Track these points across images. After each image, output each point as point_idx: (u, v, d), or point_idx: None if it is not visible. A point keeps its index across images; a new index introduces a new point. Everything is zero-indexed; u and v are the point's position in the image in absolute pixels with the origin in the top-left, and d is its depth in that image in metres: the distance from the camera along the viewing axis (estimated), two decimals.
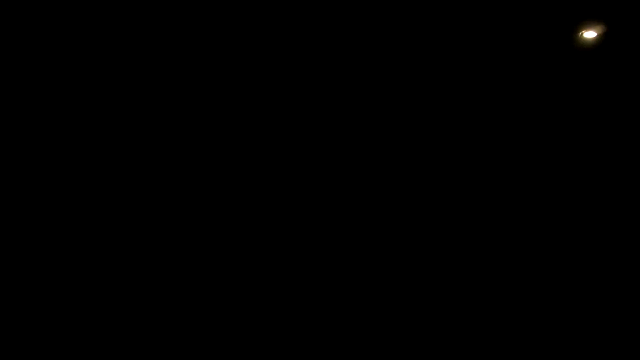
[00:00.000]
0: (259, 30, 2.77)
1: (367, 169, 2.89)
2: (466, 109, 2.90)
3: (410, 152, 2.90)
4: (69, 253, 2.68)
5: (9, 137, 2.69)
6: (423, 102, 2.89)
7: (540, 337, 2.68)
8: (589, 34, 2.73)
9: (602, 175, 2.81)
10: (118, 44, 2.73)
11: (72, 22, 2.66)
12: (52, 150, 2.73)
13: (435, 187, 2.89)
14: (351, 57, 2.83)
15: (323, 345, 2.67)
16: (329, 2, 2.69)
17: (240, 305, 2.72)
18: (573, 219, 2.81)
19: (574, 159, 2.85)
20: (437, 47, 2.82)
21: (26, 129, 2.71)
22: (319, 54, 2.82)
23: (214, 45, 2.78)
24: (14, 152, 2.70)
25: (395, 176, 2.90)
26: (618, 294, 2.68)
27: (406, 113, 2.89)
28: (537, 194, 2.85)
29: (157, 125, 2.81)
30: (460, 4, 2.73)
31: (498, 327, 2.71)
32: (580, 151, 2.85)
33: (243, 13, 2.71)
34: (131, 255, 2.72)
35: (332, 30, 2.77)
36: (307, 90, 2.87)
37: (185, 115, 2.83)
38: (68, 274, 2.66)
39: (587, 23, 2.71)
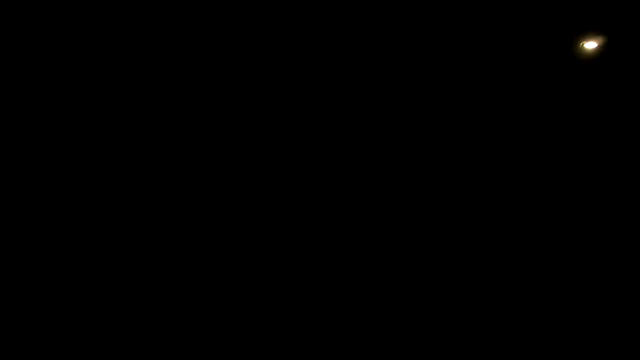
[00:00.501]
0: (258, 31, 2.77)
1: (367, 169, 2.87)
2: (468, 118, 2.90)
3: (412, 161, 2.90)
4: (69, 253, 2.67)
5: (9, 137, 2.70)
6: (425, 110, 2.89)
7: (540, 337, 2.66)
8: (590, 45, 2.74)
9: (602, 184, 2.80)
10: (118, 44, 2.74)
11: (72, 22, 2.68)
12: (52, 150, 2.72)
13: (436, 193, 2.89)
14: (354, 62, 2.85)
15: (323, 345, 2.66)
16: (329, 2, 2.71)
17: (240, 305, 2.71)
18: (573, 227, 2.80)
19: (575, 168, 2.84)
20: (440, 56, 2.83)
21: (26, 129, 2.70)
22: (319, 55, 2.83)
23: (214, 45, 2.78)
24: (14, 152, 2.70)
25: (395, 177, 2.89)
26: (618, 294, 2.67)
27: (408, 120, 2.90)
28: (539, 201, 2.83)
29: (157, 126, 2.80)
30: (462, 14, 2.76)
31: (498, 327, 2.69)
32: (581, 160, 2.83)
33: (243, 13, 2.73)
34: (131, 255, 2.71)
35: (333, 31, 2.78)
36: (307, 90, 2.86)
37: (185, 116, 2.82)
38: (68, 274, 2.65)
39: (587, 34, 2.72)
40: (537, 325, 2.69)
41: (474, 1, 2.73)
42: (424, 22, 2.77)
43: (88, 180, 2.75)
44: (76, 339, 2.57)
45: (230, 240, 2.80)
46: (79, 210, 2.72)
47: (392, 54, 2.85)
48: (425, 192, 2.87)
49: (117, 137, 2.78)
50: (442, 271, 2.80)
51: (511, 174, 2.86)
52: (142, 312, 2.66)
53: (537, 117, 2.88)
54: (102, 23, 2.72)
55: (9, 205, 2.67)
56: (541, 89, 2.86)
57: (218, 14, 2.75)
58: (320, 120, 2.87)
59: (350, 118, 2.88)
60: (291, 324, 2.70)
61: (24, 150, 2.71)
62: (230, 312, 2.71)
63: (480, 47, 2.82)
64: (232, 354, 2.64)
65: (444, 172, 2.88)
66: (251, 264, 2.79)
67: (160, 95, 2.81)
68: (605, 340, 2.62)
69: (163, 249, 2.75)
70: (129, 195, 2.76)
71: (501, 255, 2.81)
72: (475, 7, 2.75)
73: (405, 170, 2.88)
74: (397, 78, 2.87)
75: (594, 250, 2.76)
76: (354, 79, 2.85)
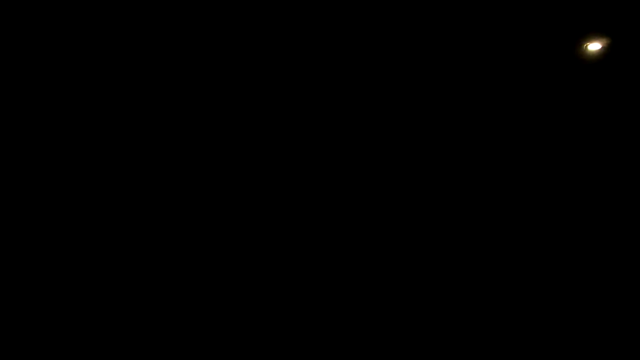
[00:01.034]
0: (258, 31, 2.79)
1: (367, 170, 2.88)
2: (472, 119, 2.92)
3: (416, 160, 2.91)
4: (69, 253, 2.67)
5: (9, 137, 2.69)
6: (430, 111, 2.90)
7: (540, 336, 2.66)
8: (593, 46, 2.76)
9: (605, 184, 2.80)
10: (118, 44, 2.75)
11: (72, 22, 2.68)
12: (52, 150, 2.72)
13: (439, 193, 2.89)
14: (359, 66, 2.86)
15: (322, 345, 2.66)
16: (329, 3, 2.72)
17: (239, 304, 2.71)
18: (576, 231, 2.81)
19: (578, 169, 2.85)
20: (444, 57, 2.85)
21: (26, 129, 2.71)
22: (319, 55, 2.84)
23: (214, 45, 2.80)
24: (14, 152, 2.69)
25: (394, 178, 2.90)
26: (618, 294, 2.68)
27: (413, 121, 2.91)
28: (542, 203, 2.84)
29: (157, 126, 2.81)
30: (467, 16, 2.77)
31: (497, 327, 2.69)
32: (584, 161, 2.85)
33: (243, 13, 2.74)
34: (130, 255, 2.71)
35: (333, 31, 2.80)
36: (307, 90, 2.88)
37: (185, 116, 2.83)
38: (68, 274, 2.64)
39: (591, 35, 2.74)
40: (537, 324, 2.70)
41: (478, 3, 2.74)
42: (429, 23, 2.79)
43: (88, 180, 2.75)
44: (76, 339, 2.57)
45: (230, 240, 2.80)
46: (79, 210, 2.73)
47: (398, 58, 2.87)
48: (428, 191, 2.89)
49: (117, 137, 2.79)
50: (442, 271, 2.81)
51: (516, 174, 2.88)
52: (142, 311, 2.66)
53: (541, 118, 2.90)
54: (102, 23, 2.73)
55: (9, 205, 2.66)
56: (545, 90, 2.88)
57: (218, 14, 2.75)
58: (320, 120, 2.88)
59: (356, 118, 2.88)
60: (291, 323, 2.70)
61: (24, 150, 2.71)
62: (230, 312, 2.71)
63: (485, 48, 2.84)
64: (232, 354, 2.63)
65: (447, 172, 2.90)
66: (251, 264, 2.79)
67: (160, 95, 2.83)
68: (605, 340, 2.62)
69: (162, 248, 2.75)
70: (128, 195, 2.77)
71: (501, 255, 2.82)
72: (480, 10, 2.77)
73: (407, 170, 2.89)
74: (402, 80, 2.90)
75: (600, 249, 2.77)
76: (362, 79, 2.87)
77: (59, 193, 2.71)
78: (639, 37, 2.72)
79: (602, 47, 2.75)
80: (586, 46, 2.77)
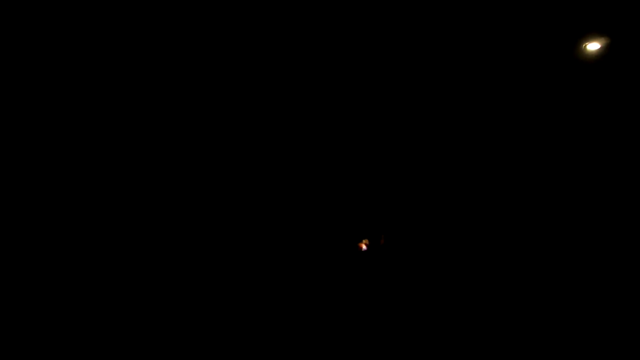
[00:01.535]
0: (258, 31, 2.78)
1: (367, 170, 3.04)
2: (473, 118, 3.09)
3: (417, 160, 3.09)
4: (69, 252, 2.65)
5: (9, 137, 2.65)
6: (431, 111, 3.08)
7: (540, 336, 2.61)
8: (592, 46, 2.80)
9: (603, 181, 2.86)
10: (118, 44, 2.72)
11: (73, 22, 2.64)
12: (52, 150, 2.69)
13: (440, 192, 3.05)
14: (359, 66, 2.97)
15: (322, 344, 2.57)
16: (329, 3, 2.70)
17: (239, 304, 2.68)
18: (575, 229, 2.88)
19: (577, 167, 2.94)
20: (444, 57, 2.99)
21: (27, 129, 2.67)
22: (319, 55, 2.92)
23: (214, 46, 2.80)
24: (14, 152, 2.65)
25: (394, 178, 3.07)
26: (618, 294, 2.66)
27: (414, 121, 3.08)
28: (540, 202, 2.96)
29: (157, 126, 2.81)
30: (467, 18, 2.90)
31: (498, 327, 2.67)
32: (584, 159, 2.94)
33: (243, 13, 2.70)
34: (130, 255, 2.69)
35: (333, 32, 2.85)
36: (307, 91, 2.99)
37: (185, 117, 2.86)
38: (68, 274, 2.62)
39: (590, 35, 2.77)
40: (537, 324, 2.67)
41: (478, 4, 2.82)
42: (430, 24, 2.92)
43: (88, 180, 2.71)
44: (76, 339, 2.49)
45: (230, 240, 2.81)
46: (79, 210, 2.68)
47: (399, 58, 3.03)
48: (430, 191, 3.08)
49: (117, 137, 2.77)
50: (442, 270, 2.92)
51: (516, 173, 3.04)
52: (142, 311, 2.59)
53: (541, 117, 3.03)
54: (102, 23, 2.67)
55: (9, 205, 2.61)
56: (544, 89, 2.97)
57: (218, 14, 2.71)
58: (320, 120, 3.06)
59: (356, 118, 3.07)
60: (291, 323, 2.64)
61: (24, 150, 2.66)
62: (230, 312, 2.65)
63: (485, 48, 2.98)
64: (232, 354, 2.52)
65: (448, 172, 3.09)
66: (251, 264, 2.80)
67: (160, 96, 2.82)
68: (605, 340, 2.55)
69: (162, 248, 2.71)
70: (129, 195, 2.73)
71: (501, 254, 2.94)
72: (480, 10, 2.87)
73: (409, 170, 3.11)
74: (402, 80, 3.08)
75: (600, 248, 2.81)
76: (362, 79, 3.03)
77: (59, 193, 2.66)
78: (637, 37, 2.71)
79: (601, 47, 2.79)
80: (585, 46, 2.81)
